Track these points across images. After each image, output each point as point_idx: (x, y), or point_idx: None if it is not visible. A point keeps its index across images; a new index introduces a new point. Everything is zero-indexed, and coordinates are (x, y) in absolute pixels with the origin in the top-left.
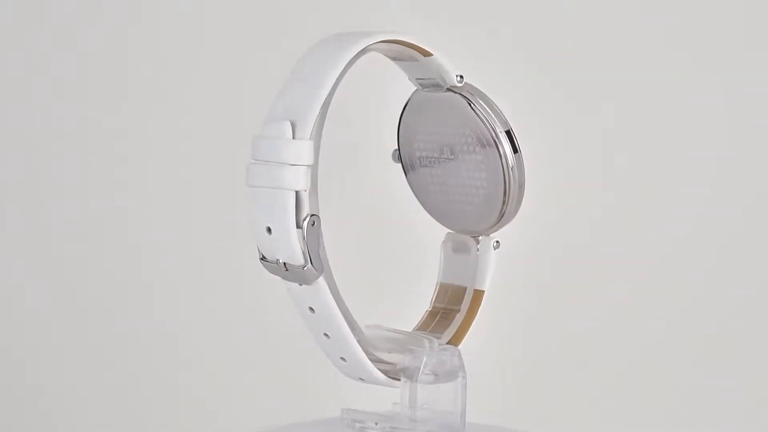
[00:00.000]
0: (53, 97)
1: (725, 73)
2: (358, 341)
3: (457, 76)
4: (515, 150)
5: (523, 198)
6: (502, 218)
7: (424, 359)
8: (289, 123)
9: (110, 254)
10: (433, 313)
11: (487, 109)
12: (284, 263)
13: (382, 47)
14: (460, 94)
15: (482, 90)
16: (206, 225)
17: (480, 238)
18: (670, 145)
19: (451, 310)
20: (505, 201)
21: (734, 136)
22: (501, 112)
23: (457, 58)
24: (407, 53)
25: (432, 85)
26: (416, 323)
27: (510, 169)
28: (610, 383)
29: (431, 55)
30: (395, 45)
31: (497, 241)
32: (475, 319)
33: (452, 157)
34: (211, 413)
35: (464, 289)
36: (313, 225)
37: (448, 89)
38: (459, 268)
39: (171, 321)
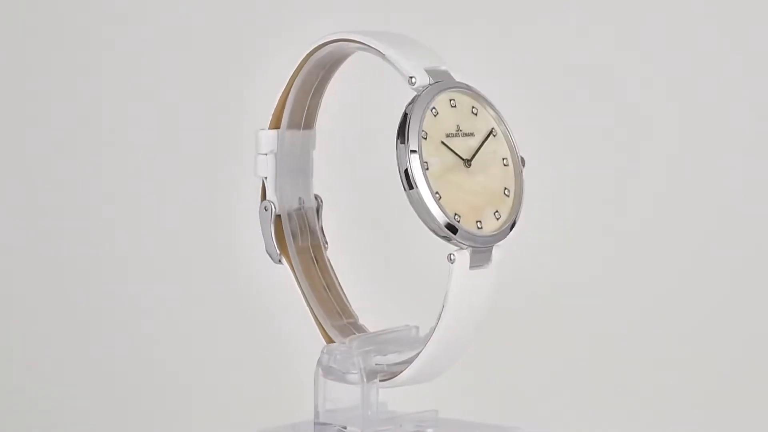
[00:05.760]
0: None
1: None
2: (315, 313)
3: (408, 77)
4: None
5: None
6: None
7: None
8: (270, 115)
9: (109, 254)
10: None
11: (414, 114)
12: None
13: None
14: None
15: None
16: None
17: None
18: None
19: None
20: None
21: None
22: (422, 122)
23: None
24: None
25: None
26: None
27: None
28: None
29: (383, 54)
30: (346, 43)
31: (450, 254)
32: None
33: None
34: (208, 414)
35: None
36: (265, 210)
37: None
38: None
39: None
